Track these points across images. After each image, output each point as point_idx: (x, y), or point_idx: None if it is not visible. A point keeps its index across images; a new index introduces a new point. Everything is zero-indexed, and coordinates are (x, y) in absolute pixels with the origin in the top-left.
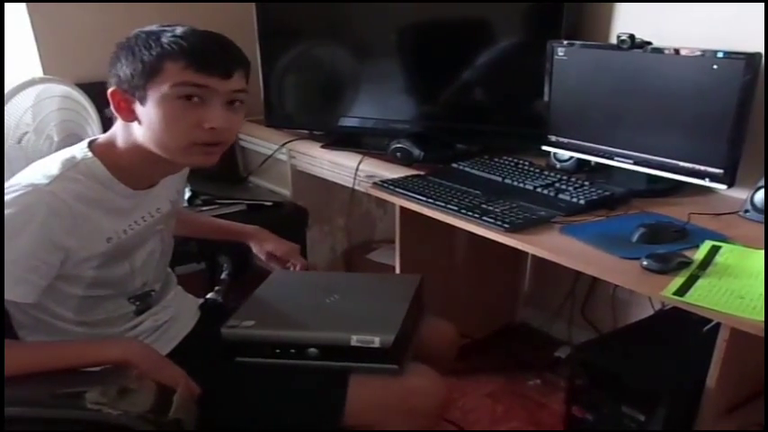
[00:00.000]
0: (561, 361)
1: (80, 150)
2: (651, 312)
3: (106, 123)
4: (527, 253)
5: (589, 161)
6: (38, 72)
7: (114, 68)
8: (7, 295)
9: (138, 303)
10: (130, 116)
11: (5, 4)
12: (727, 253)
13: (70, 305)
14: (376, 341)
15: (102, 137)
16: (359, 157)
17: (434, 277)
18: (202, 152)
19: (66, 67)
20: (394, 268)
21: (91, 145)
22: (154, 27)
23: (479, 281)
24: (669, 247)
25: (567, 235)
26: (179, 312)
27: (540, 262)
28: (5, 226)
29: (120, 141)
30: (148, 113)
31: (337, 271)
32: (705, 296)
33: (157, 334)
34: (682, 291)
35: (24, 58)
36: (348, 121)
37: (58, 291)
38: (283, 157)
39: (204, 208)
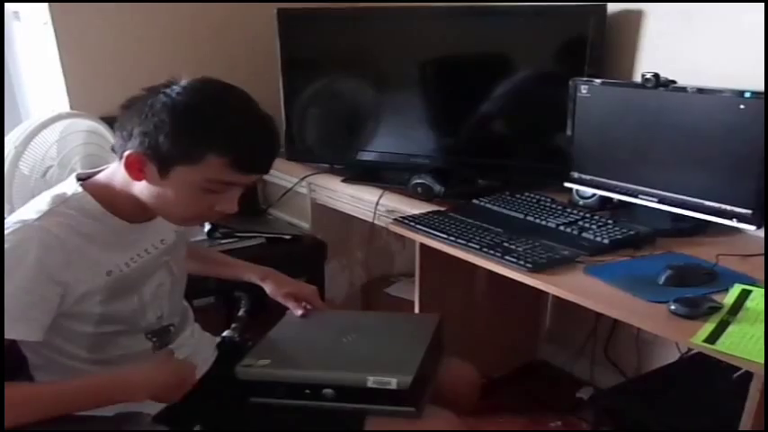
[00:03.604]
0: (583, 402)
1: (70, 186)
2: (676, 353)
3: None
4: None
5: (612, 198)
6: (65, 106)
7: (141, 129)
8: (8, 334)
9: (155, 340)
10: (138, 176)
11: (5, 4)
12: (758, 297)
13: (82, 343)
14: (393, 383)
15: (98, 177)
16: (379, 191)
17: (454, 313)
18: (197, 223)
19: (92, 101)
20: (413, 303)
21: (81, 181)
22: (196, 93)
23: (499, 317)
24: (697, 290)
25: (592, 276)
26: (196, 351)
27: (561, 299)
28: None
29: (117, 185)
30: (164, 186)
31: (354, 306)
32: (737, 344)
33: None
34: (712, 338)
35: (52, 93)
36: (368, 156)
37: (67, 329)
38: (303, 191)
39: (223, 241)
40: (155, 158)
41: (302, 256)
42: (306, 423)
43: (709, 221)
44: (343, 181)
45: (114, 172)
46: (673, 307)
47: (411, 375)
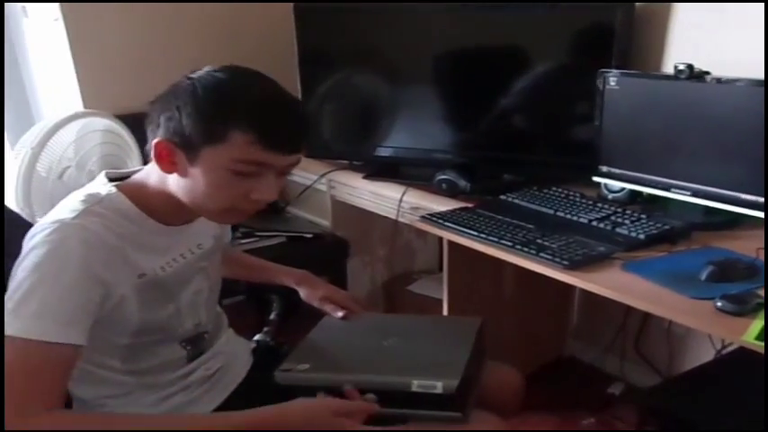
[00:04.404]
0: (615, 398)
1: (103, 187)
2: (710, 347)
3: (146, 157)
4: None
5: (641, 192)
6: (78, 105)
7: (168, 114)
8: (58, 338)
9: (189, 348)
10: (171, 168)
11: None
12: None
13: (117, 354)
14: (438, 386)
15: (133, 178)
16: (401, 188)
17: (482, 311)
18: (237, 216)
19: (105, 99)
20: (437, 300)
21: (113, 181)
22: (220, 74)
23: (527, 313)
24: (740, 285)
25: (631, 272)
26: (232, 359)
27: (589, 293)
28: (41, 267)
29: (152, 184)
30: (194, 174)
31: (376, 305)
32: None
33: (210, 383)
34: (762, 335)
35: (64, 91)
36: (388, 152)
37: (102, 339)
38: (323, 188)
39: (243, 241)
40: (181, 143)
41: (324, 254)
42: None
43: (743, 214)
44: (365, 177)
45: (149, 172)
46: (719, 304)
47: (457, 379)
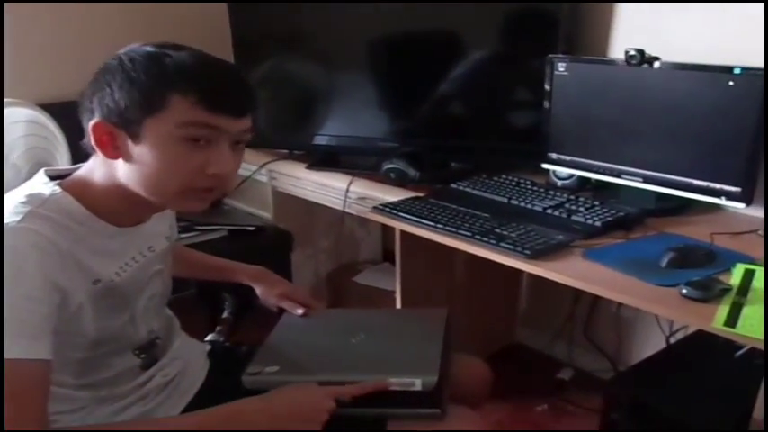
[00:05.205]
0: (565, 383)
1: (44, 186)
2: (658, 332)
3: (74, 149)
4: (522, 271)
5: (590, 179)
6: None
7: (99, 95)
8: (29, 354)
9: (143, 356)
10: (115, 153)
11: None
12: (762, 277)
13: (68, 369)
14: (417, 383)
15: (75, 175)
16: (347, 177)
17: (434, 300)
18: (197, 198)
19: (26, 87)
20: (384, 291)
21: (55, 180)
22: (149, 47)
23: (477, 302)
24: (701, 272)
25: (592, 260)
26: (188, 364)
27: (535, 280)
28: None
29: (98, 178)
30: (141, 154)
31: (321, 297)
32: (756, 327)
33: (168, 390)
34: (730, 321)
35: None
36: (327, 140)
37: (55, 353)
38: (263, 179)
39: (183, 235)
40: (120, 121)
41: (267, 247)
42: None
43: (692, 200)
44: (308, 168)
45: (91, 168)
46: (685, 291)
47: (435, 375)
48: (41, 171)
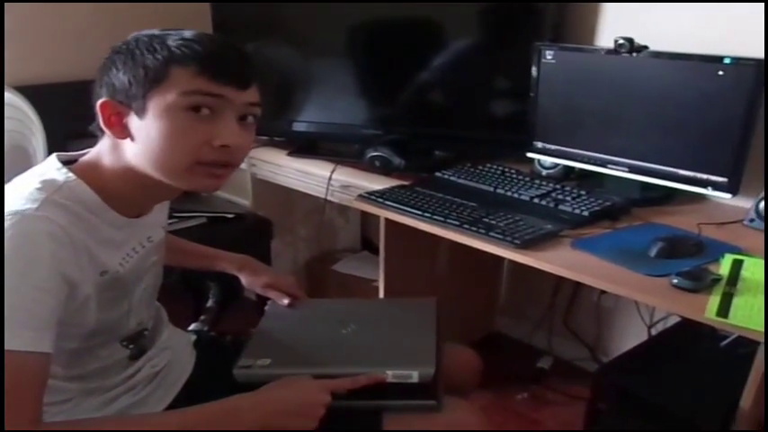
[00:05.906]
0: (545, 372)
1: (58, 172)
2: (638, 320)
3: (50, 133)
4: (503, 260)
5: (574, 168)
6: None
7: (107, 76)
8: (33, 347)
9: (131, 347)
10: (123, 133)
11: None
12: (752, 267)
13: (59, 360)
14: (414, 375)
15: (85, 158)
16: (330, 165)
17: (416, 289)
18: (208, 174)
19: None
20: (363, 279)
21: (67, 165)
22: (155, 30)
23: (458, 291)
24: (690, 261)
25: (581, 250)
26: (176, 355)
27: (516, 269)
28: (6, 266)
29: (108, 163)
30: (147, 128)
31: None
32: (747, 317)
33: (156, 381)
34: (722, 311)
35: None
36: (306, 126)
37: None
38: (242, 165)
39: None
40: (125, 98)
41: (247, 235)
42: (318, 425)
43: (677, 189)
44: (289, 155)
45: (100, 153)
46: (675, 281)
47: (432, 367)
48: (53, 155)
